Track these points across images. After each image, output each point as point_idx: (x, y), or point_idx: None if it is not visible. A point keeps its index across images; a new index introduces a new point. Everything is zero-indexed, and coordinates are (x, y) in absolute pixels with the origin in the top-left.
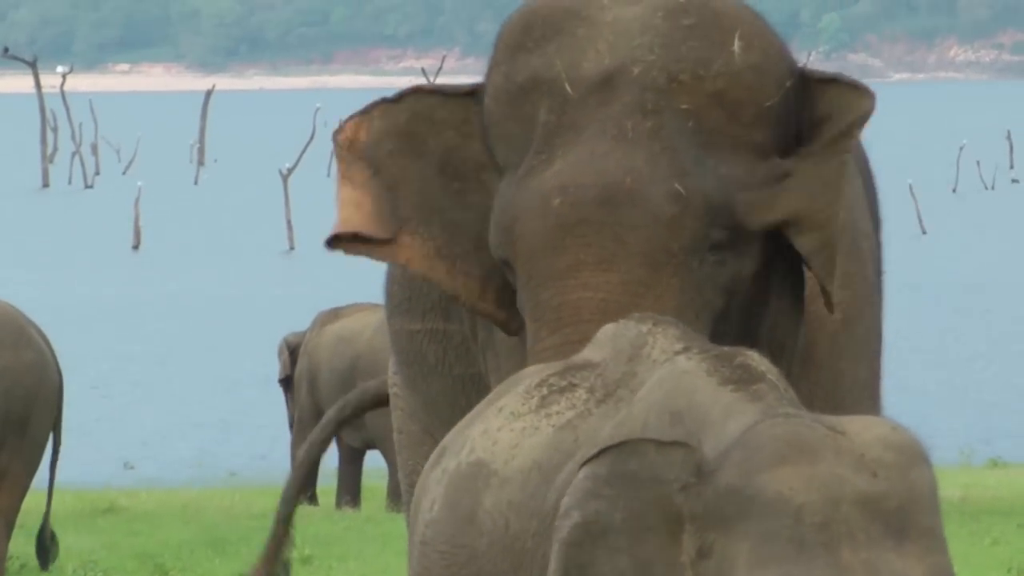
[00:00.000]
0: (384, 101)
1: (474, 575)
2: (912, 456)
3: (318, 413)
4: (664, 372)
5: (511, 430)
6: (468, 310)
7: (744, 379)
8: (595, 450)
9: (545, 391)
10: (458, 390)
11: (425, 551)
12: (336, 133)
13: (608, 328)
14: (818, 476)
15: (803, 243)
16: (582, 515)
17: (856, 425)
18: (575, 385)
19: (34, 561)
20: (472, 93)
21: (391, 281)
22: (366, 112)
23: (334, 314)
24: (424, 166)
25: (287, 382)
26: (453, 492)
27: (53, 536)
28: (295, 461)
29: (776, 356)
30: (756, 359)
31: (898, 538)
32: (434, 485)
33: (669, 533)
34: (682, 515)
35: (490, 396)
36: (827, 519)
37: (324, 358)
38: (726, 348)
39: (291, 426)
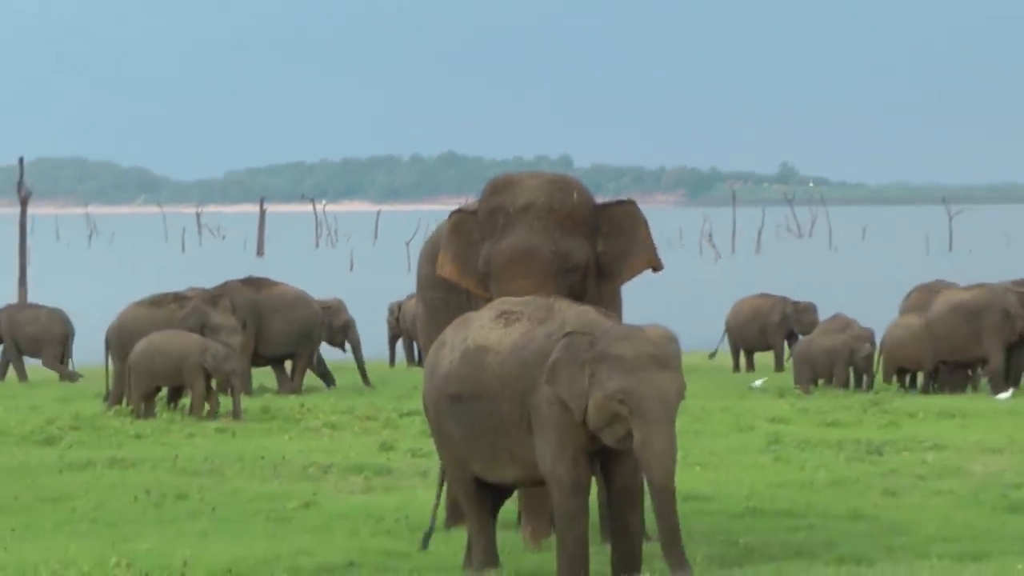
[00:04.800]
0: (458, 211)
1: (480, 387)
2: (672, 339)
3: None
4: (576, 310)
5: (497, 332)
6: (473, 292)
7: (605, 315)
8: (563, 333)
9: (504, 319)
10: (448, 321)
11: (450, 371)
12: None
13: (519, 299)
14: (636, 344)
15: (613, 268)
16: (558, 355)
17: (647, 327)
18: (519, 318)
19: None
20: (474, 213)
21: (427, 272)
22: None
23: None
24: (463, 240)
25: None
26: (468, 355)
27: None
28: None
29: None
30: (603, 310)
31: (667, 368)
32: (447, 353)
33: (581, 365)
34: (585, 359)
35: (457, 323)
36: (638, 362)
37: None
38: (592, 306)
39: None
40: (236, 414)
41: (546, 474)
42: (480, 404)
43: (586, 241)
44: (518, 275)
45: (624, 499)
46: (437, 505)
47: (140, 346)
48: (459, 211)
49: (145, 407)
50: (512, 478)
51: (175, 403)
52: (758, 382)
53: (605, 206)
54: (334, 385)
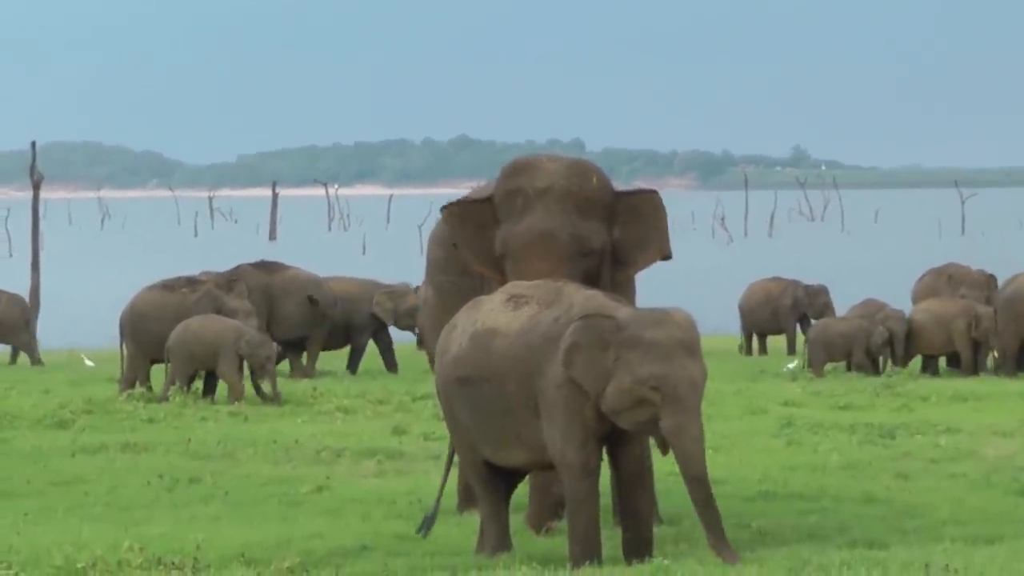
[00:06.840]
0: (453, 203)
1: (488, 370)
2: (695, 325)
3: None
4: (585, 294)
5: (505, 315)
6: (487, 276)
7: (616, 299)
8: (570, 316)
9: (513, 303)
10: (458, 305)
11: (460, 354)
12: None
13: (529, 283)
14: (667, 330)
15: (629, 256)
16: (573, 338)
17: (673, 312)
18: (528, 301)
19: None
20: (489, 198)
21: (438, 256)
22: (459, 203)
23: None
24: (471, 227)
25: None
26: (477, 338)
27: None
28: None
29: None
30: (613, 295)
31: (695, 355)
32: (457, 336)
33: (603, 349)
34: (610, 342)
35: (468, 306)
36: (671, 348)
37: None
38: (601, 291)
39: None
40: (275, 397)
41: (555, 458)
42: (488, 387)
43: (603, 226)
44: (535, 257)
45: (633, 483)
46: (442, 489)
47: (178, 331)
48: (454, 203)
49: (161, 390)
50: (520, 461)
51: (188, 387)
52: (791, 365)
53: (626, 194)
54: (394, 371)
